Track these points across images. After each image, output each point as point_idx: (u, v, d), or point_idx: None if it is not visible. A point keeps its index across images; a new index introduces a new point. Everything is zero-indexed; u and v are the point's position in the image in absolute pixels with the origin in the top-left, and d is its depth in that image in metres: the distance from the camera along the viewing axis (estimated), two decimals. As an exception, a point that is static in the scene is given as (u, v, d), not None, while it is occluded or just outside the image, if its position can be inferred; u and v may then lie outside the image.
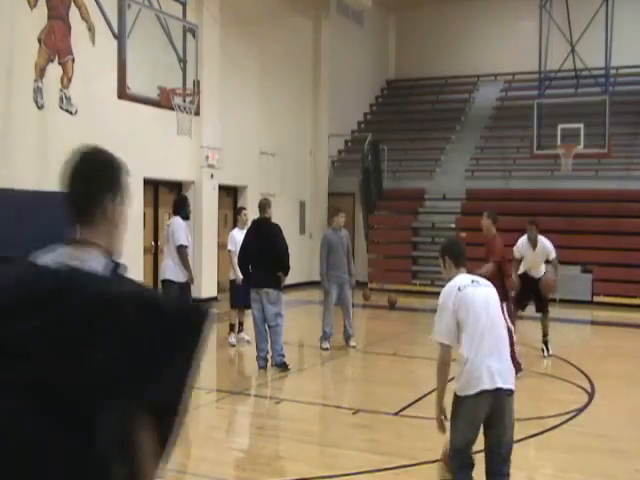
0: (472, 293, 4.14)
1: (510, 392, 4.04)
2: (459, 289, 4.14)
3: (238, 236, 10.26)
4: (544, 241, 9.68)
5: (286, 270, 8.61)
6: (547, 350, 9.73)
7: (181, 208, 9.27)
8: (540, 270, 9.76)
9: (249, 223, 10.49)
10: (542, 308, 9.74)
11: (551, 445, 6.12)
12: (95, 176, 1.98)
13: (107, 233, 1.91)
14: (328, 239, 10.12)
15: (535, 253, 9.67)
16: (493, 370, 3.97)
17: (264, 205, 9.00)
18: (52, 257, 1.76)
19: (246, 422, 7.06)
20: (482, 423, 4.03)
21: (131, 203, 2.12)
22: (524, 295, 9.52)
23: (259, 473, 5.47)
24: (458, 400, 4.06)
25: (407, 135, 21.59)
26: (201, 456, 5.86)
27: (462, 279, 4.25)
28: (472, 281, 4.23)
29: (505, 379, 4.01)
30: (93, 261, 1.76)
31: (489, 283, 4.33)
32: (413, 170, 20.26)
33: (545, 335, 9.77)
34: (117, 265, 1.81)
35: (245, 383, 8.62)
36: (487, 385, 3.95)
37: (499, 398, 3.99)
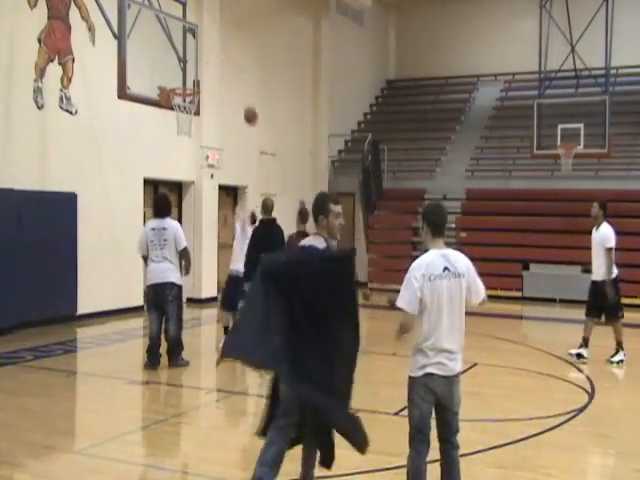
0: (439, 287, 4.21)
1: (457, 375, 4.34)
2: (429, 279, 4.20)
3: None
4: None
5: None
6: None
7: (170, 209, 9.01)
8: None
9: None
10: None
11: (551, 445, 6.11)
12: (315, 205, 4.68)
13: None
14: None
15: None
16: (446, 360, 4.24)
17: (272, 207, 9.00)
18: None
19: (246, 422, 7.05)
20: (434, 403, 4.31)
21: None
22: None
23: (259, 473, 5.47)
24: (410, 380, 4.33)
25: (407, 135, 21.59)
26: (201, 456, 5.86)
27: (435, 262, 4.24)
28: (444, 269, 4.23)
29: (455, 367, 4.29)
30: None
31: (462, 269, 4.30)
32: (413, 170, 20.25)
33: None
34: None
35: (245, 383, 8.62)
36: (439, 371, 4.24)
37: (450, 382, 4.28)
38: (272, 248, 8.41)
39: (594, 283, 9.73)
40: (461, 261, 4.34)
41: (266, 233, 8.82)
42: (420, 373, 4.26)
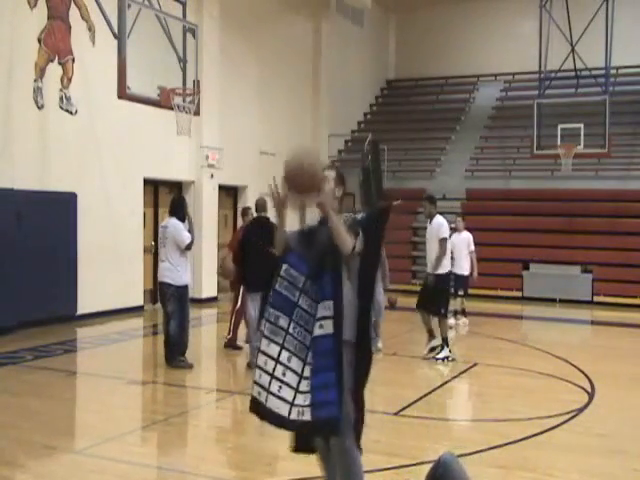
0: None
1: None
2: None
3: None
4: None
5: None
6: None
7: (179, 209, 8.99)
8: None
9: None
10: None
11: (551, 445, 6.11)
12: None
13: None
14: None
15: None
16: None
17: (264, 204, 8.95)
18: None
19: (246, 422, 7.05)
20: None
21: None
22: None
23: (259, 473, 5.47)
24: None
25: (407, 135, 21.59)
26: (201, 456, 5.86)
27: None
28: None
29: None
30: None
31: None
32: (413, 170, 20.26)
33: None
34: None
35: (245, 383, 8.61)
36: None
37: None
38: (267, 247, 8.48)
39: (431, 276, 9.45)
40: None
41: (262, 231, 8.73)
42: None
